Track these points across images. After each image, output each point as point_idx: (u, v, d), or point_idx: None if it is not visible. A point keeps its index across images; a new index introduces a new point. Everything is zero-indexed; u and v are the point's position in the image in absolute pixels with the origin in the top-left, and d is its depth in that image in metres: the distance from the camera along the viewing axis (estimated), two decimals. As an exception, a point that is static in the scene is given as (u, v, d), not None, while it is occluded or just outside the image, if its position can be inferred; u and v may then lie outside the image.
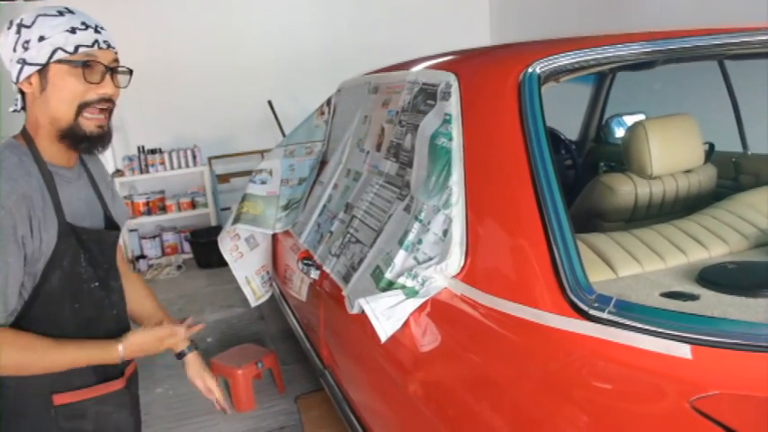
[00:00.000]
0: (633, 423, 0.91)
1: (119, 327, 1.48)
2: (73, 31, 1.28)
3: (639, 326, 0.97)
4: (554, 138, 3.42)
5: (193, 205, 5.98)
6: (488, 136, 1.39)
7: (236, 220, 2.86)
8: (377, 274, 1.56)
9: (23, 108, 1.36)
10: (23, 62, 1.28)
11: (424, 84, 1.77)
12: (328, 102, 2.95)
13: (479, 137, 1.39)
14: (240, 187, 3.07)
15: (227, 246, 2.98)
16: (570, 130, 3.65)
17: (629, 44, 1.51)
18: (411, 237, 1.49)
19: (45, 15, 1.28)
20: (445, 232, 1.40)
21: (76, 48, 1.28)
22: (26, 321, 1.30)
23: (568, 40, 1.63)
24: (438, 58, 1.92)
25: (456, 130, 1.48)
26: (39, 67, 1.27)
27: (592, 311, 1.04)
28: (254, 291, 3.05)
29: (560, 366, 1.04)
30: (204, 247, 5.59)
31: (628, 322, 0.98)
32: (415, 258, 1.45)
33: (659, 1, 4.50)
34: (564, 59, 1.45)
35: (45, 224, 1.29)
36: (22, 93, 1.34)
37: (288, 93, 5.95)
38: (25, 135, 1.35)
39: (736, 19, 1.95)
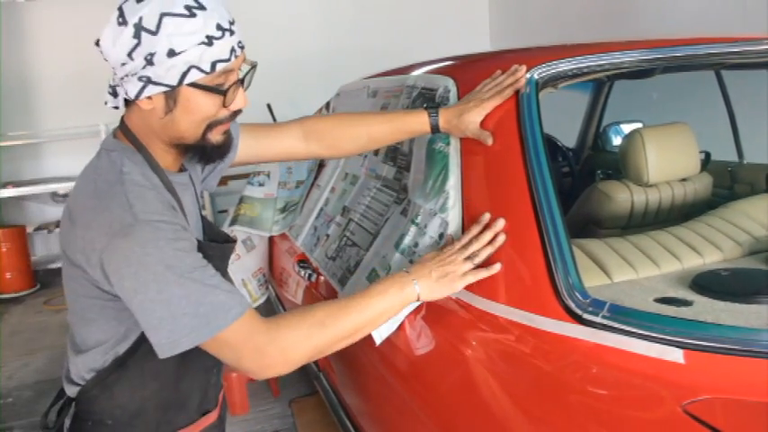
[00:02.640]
0: (626, 427, 0.91)
1: None
2: (210, 42, 1.04)
3: (633, 330, 0.98)
4: (551, 145, 3.44)
5: (191, 208, 5.95)
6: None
7: (234, 222, 2.86)
8: (373, 277, 1.57)
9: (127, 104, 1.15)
10: (147, 81, 1.04)
11: (422, 88, 1.78)
12: (327, 105, 2.96)
13: (477, 141, 1.39)
14: (237, 190, 3.07)
15: (223, 248, 2.97)
16: (568, 137, 3.67)
17: (626, 52, 1.52)
18: (407, 240, 1.50)
19: (172, 15, 1.01)
20: (441, 236, 1.40)
21: (213, 65, 1.05)
22: (135, 354, 1.18)
23: (566, 47, 1.65)
24: (437, 62, 1.93)
25: (455, 136, 1.49)
26: (167, 89, 1.05)
27: (586, 316, 1.04)
28: (251, 293, 3.05)
29: (554, 370, 1.05)
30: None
31: (622, 326, 0.99)
32: (411, 262, 1.46)
33: (659, 10, 4.52)
34: (562, 66, 1.46)
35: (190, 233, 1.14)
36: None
37: (287, 96, 5.96)
38: (133, 140, 1.15)
39: (734, 30, 1.97)
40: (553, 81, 1.47)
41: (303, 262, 2.25)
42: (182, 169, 1.26)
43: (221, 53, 1.06)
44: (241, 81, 1.14)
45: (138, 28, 1.01)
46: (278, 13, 6.24)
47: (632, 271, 1.37)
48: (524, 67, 1.41)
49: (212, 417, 1.39)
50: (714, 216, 1.65)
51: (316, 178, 2.73)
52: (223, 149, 1.20)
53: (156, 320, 1.04)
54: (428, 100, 1.70)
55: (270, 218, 2.87)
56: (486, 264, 1.25)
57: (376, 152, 2.03)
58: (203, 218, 1.36)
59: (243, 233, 2.92)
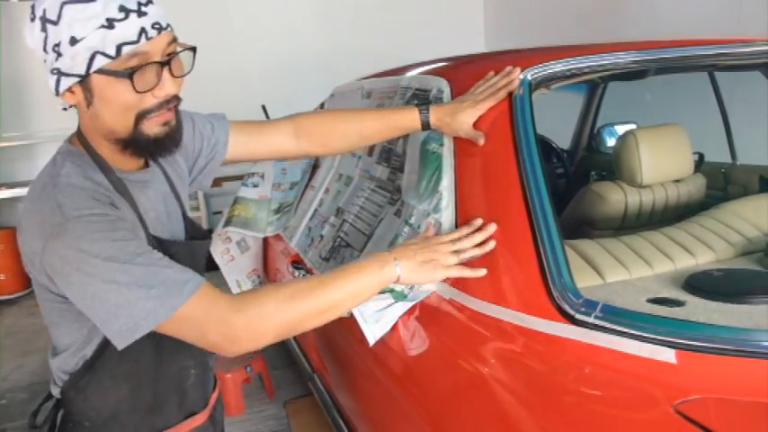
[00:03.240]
0: (618, 426, 0.91)
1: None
2: (110, 24, 0.97)
3: (625, 330, 0.98)
4: (546, 146, 3.45)
5: (185, 209, 5.95)
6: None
7: (228, 223, 2.85)
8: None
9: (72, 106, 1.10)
10: (59, 73, 1.01)
11: (416, 89, 1.78)
12: (321, 106, 2.96)
13: (470, 142, 1.39)
14: (232, 191, 3.07)
15: (218, 248, 2.97)
16: (562, 138, 3.68)
17: (619, 53, 1.52)
18: (401, 240, 1.50)
19: (72, 3, 0.97)
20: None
21: (119, 48, 0.99)
22: (102, 357, 1.15)
23: (560, 48, 1.65)
24: (430, 64, 1.93)
25: (447, 135, 1.49)
26: (78, 79, 1.01)
27: (578, 316, 1.04)
28: (245, 294, 3.04)
29: (547, 370, 1.05)
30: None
31: (614, 327, 0.99)
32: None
33: (654, 11, 4.53)
34: (555, 67, 1.46)
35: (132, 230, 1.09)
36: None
37: (282, 97, 5.93)
38: (82, 140, 1.12)
39: (729, 31, 1.97)
40: (546, 82, 1.47)
41: (297, 263, 2.25)
42: (146, 166, 1.22)
43: (126, 35, 0.99)
44: (163, 64, 1.04)
45: (43, 20, 0.99)
46: (274, 15, 6.24)
47: (625, 271, 1.37)
48: (518, 69, 1.41)
49: (199, 419, 1.36)
50: (707, 217, 1.66)
51: (310, 179, 2.73)
52: (166, 143, 1.11)
53: (109, 311, 1.01)
54: (422, 101, 1.70)
55: (264, 219, 2.86)
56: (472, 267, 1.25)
57: (370, 153, 2.03)
58: (185, 217, 1.32)
59: (237, 234, 2.92)
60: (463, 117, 1.39)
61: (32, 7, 1.02)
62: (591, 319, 1.02)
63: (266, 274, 3.03)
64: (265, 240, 2.98)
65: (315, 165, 2.79)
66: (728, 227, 1.57)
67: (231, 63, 5.94)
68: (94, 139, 1.12)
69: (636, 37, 1.86)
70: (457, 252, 1.23)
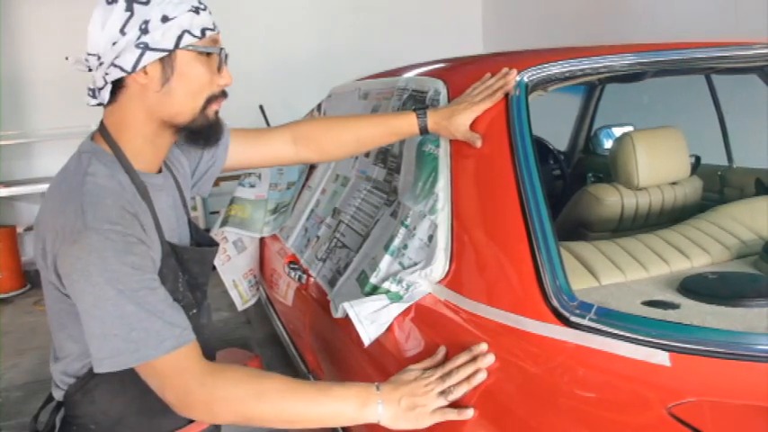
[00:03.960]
0: (611, 429, 0.91)
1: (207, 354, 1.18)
2: (196, 11, 1.09)
3: (619, 333, 0.98)
4: (543, 148, 3.45)
5: (182, 208, 5.94)
6: (475, 143, 1.39)
7: (224, 223, 2.85)
8: (362, 278, 1.57)
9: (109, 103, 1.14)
10: (145, 47, 1.05)
11: (413, 90, 1.78)
12: (318, 107, 2.96)
13: (466, 144, 1.39)
14: (229, 191, 3.07)
15: (214, 249, 2.97)
16: (560, 140, 3.68)
17: (616, 55, 1.52)
18: (397, 242, 1.50)
19: None
20: (430, 238, 1.40)
21: (203, 32, 1.10)
22: None
23: (556, 50, 1.65)
24: (427, 65, 1.93)
25: (444, 138, 1.49)
26: (164, 54, 1.07)
27: (573, 318, 1.04)
28: (241, 294, 3.04)
29: (541, 372, 1.05)
30: (192, 251, 5.55)
31: (608, 329, 0.99)
32: (401, 263, 1.46)
33: (652, 13, 4.54)
34: (551, 69, 1.46)
35: (152, 245, 1.11)
36: (115, 85, 1.10)
37: (280, 98, 5.96)
38: (107, 137, 1.14)
39: (725, 34, 1.98)
40: (543, 84, 1.47)
41: (293, 263, 2.25)
42: (160, 170, 1.24)
43: (207, 23, 1.11)
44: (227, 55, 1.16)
45: (130, 1, 1.05)
46: (272, 16, 6.24)
47: (620, 274, 1.37)
48: (515, 71, 1.41)
49: (203, 423, 1.35)
50: (702, 219, 1.66)
51: (307, 180, 2.73)
52: (217, 130, 1.20)
53: (89, 334, 1.04)
54: (418, 102, 1.70)
55: (261, 219, 2.86)
56: (470, 269, 1.24)
57: (367, 154, 2.03)
58: (190, 221, 1.33)
59: (234, 234, 2.92)
60: (460, 119, 1.39)
61: None
62: (585, 322, 1.02)
63: (262, 275, 3.03)
64: (262, 241, 2.98)
65: (312, 165, 2.79)
66: (724, 230, 1.58)
67: (229, 63, 5.91)
68: (129, 136, 1.14)
69: (634, 40, 1.86)
70: (445, 393, 1.11)
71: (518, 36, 6.36)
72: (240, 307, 3.11)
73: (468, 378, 1.11)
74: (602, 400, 0.96)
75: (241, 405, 1.07)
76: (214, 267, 2.84)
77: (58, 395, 1.23)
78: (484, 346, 1.13)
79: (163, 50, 1.06)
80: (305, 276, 2.12)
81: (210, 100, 1.14)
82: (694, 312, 1.15)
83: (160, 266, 1.13)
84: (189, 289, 1.22)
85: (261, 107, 5.82)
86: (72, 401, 1.20)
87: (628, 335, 0.97)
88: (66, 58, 1.12)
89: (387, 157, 1.85)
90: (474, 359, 1.12)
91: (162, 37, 1.06)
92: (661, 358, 0.92)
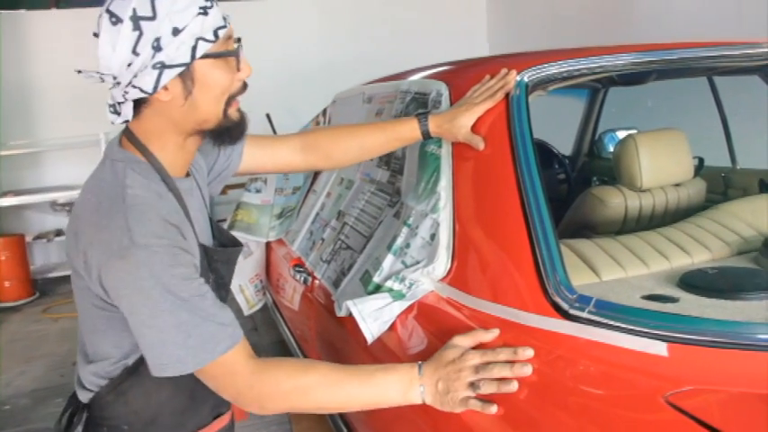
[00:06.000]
0: (610, 418, 0.92)
1: None
2: (205, 12, 1.03)
3: (618, 324, 0.99)
4: (547, 152, 3.46)
5: (190, 217, 5.96)
6: (476, 142, 1.41)
7: (231, 228, 2.88)
8: (365, 278, 1.58)
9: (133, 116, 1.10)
10: (162, 66, 1.02)
11: (415, 93, 1.80)
12: (324, 112, 2.98)
13: (468, 144, 1.41)
14: (236, 199, 3.09)
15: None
16: (564, 145, 3.69)
17: (616, 55, 1.53)
18: (399, 241, 1.51)
19: None
20: (433, 236, 1.42)
21: (216, 33, 1.05)
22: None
23: (557, 51, 1.66)
24: (430, 68, 1.95)
25: (447, 141, 1.50)
26: (183, 68, 1.04)
27: (572, 311, 1.06)
28: (248, 299, 3.06)
29: (541, 364, 1.06)
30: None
31: (607, 321, 1.00)
32: (403, 262, 1.47)
33: (656, 15, 4.54)
34: (552, 69, 1.47)
35: (193, 251, 1.12)
36: (137, 101, 1.08)
37: (286, 106, 5.99)
38: (137, 144, 1.12)
39: (729, 35, 1.98)
40: (543, 84, 1.48)
41: (299, 266, 2.26)
42: (188, 174, 1.24)
43: (218, 20, 1.06)
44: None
45: (136, 19, 0.99)
46: (278, 25, 6.29)
47: (621, 270, 1.38)
48: (514, 71, 1.43)
49: (225, 419, 1.39)
50: (703, 217, 1.67)
51: (312, 184, 2.75)
52: (242, 126, 1.19)
53: (146, 343, 1.07)
54: (421, 104, 1.72)
55: (266, 224, 2.89)
56: (472, 266, 1.25)
57: (371, 156, 2.05)
58: (212, 221, 1.34)
59: (240, 239, 2.93)
60: (461, 121, 1.40)
61: (110, 12, 1.01)
62: (584, 314, 1.04)
63: (269, 280, 3.05)
64: (268, 246, 3.00)
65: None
66: (725, 227, 1.58)
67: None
68: (160, 143, 1.13)
69: (638, 42, 1.88)
70: (474, 385, 1.09)
71: (523, 39, 6.38)
72: (246, 312, 3.12)
73: (499, 380, 1.08)
74: (600, 390, 0.97)
75: (287, 401, 1.15)
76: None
77: (85, 397, 1.23)
78: (530, 352, 1.08)
79: (181, 65, 1.03)
80: (310, 279, 2.14)
81: (230, 100, 1.13)
82: (693, 306, 1.16)
83: None
84: (216, 288, 1.22)
85: (268, 116, 5.84)
86: (103, 403, 1.21)
87: (626, 326, 0.98)
88: (79, 72, 1.09)
89: (390, 159, 1.87)
90: (512, 362, 1.08)
91: (177, 52, 1.02)
92: (658, 348, 0.93)
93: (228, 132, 1.17)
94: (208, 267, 1.21)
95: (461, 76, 1.67)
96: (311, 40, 6.42)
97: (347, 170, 2.30)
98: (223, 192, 5.85)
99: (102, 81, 1.09)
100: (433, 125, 1.44)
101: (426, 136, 1.46)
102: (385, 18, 6.62)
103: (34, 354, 4.20)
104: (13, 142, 5.72)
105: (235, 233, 2.86)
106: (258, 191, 2.95)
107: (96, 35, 1.04)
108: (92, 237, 1.07)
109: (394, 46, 6.46)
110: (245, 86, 1.16)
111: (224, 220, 5.39)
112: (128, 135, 1.14)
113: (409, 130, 1.46)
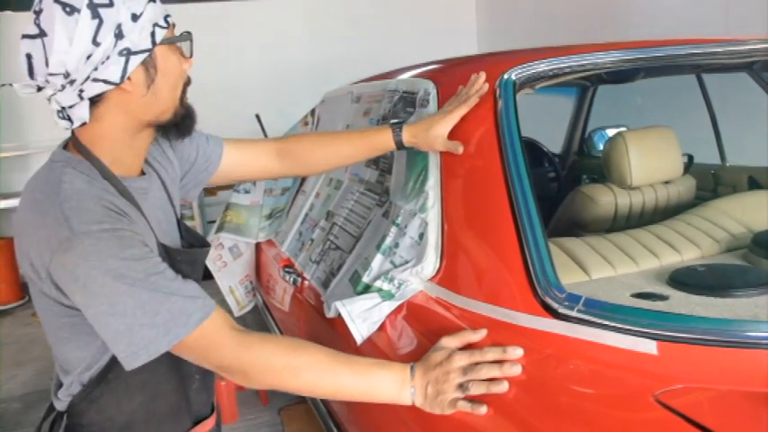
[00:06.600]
0: (600, 416, 0.92)
1: None
2: None
3: (607, 323, 0.98)
4: (537, 150, 3.46)
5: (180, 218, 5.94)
6: (464, 141, 1.40)
7: (220, 229, 2.86)
8: (355, 278, 1.57)
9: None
10: (128, 53, 0.99)
11: (403, 92, 1.79)
12: (312, 112, 2.97)
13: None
14: (226, 200, 3.07)
15: (210, 255, 2.97)
16: (554, 143, 3.69)
17: (602, 52, 1.53)
18: (388, 241, 1.50)
19: None
20: (421, 236, 1.41)
21: (166, 19, 1.05)
22: (116, 367, 1.11)
23: (545, 49, 1.66)
24: (417, 67, 1.94)
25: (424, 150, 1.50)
26: (146, 55, 1.02)
27: (561, 310, 1.05)
28: (238, 301, 3.04)
29: (531, 364, 1.05)
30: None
31: (596, 320, 1.00)
32: (392, 262, 1.46)
33: (646, 14, 4.55)
34: (539, 66, 1.47)
35: (144, 237, 1.07)
36: (92, 101, 1.04)
37: (276, 106, 5.97)
38: (81, 148, 1.08)
39: (716, 33, 1.98)
40: (531, 82, 1.48)
41: (288, 267, 2.25)
42: (142, 172, 1.21)
43: (164, 9, 1.06)
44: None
45: (93, 7, 0.96)
46: (267, 25, 6.27)
47: (610, 268, 1.38)
48: (483, 74, 1.42)
49: (209, 423, 1.37)
50: (693, 214, 1.67)
51: (301, 185, 2.74)
52: (194, 116, 1.19)
53: (112, 334, 1.01)
54: (409, 103, 1.72)
55: (256, 225, 2.87)
56: (461, 266, 1.25)
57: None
58: (179, 222, 1.32)
59: (230, 240, 2.92)
60: (437, 131, 1.40)
61: (61, 3, 0.96)
62: (574, 313, 1.03)
63: (259, 281, 3.03)
64: (258, 247, 2.98)
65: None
66: (714, 224, 1.58)
67: (225, 73, 5.95)
68: (108, 145, 1.09)
69: (627, 40, 1.87)
70: (463, 386, 1.09)
71: (512, 38, 6.38)
72: (237, 313, 3.11)
73: (489, 380, 1.07)
74: (590, 389, 0.97)
75: (276, 378, 1.11)
76: (206, 271, 2.86)
77: (61, 405, 1.21)
78: (519, 352, 1.07)
79: (145, 51, 1.01)
80: (300, 279, 2.13)
81: (184, 88, 1.13)
82: (683, 303, 1.15)
83: None
84: None
85: (257, 116, 5.82)
86: (77, 410, 1.18)
87: (615, 325, 0.97)
88: (11, 85, 1.05)
89: (379, 158, 1.86)
90: (502, 361, 1.07)
91: (140, 37, 1.00)
92: (648, 347, 0.93)
93: (184, 122, 1.16)
94: (172, 269, 1.14)
95: (449, 75, 1.66)
96: (300, 41, 6.40)
97: (336, 171, 2.29)
98: (212, 192, 5.83)
99: (40, 90, 1.05)
100: (408, 135, 1.43)
101: (399, 146, 1.45)
102: (374, 18, 6.61)
103: (25, 357, 4.17)
104: (3, 145, 5.68)
105: (224, 234, 2.84)
106: (247, 191, 2.94)
107: (37, 35, 0.99)
108: (31, 236, 1.03)
109: (383, 45, 6.45)
110: (189, 79, 1.16)
111: (214, 222, 5.37)
112: (73, 140, 1.11)
113: (384, 140, 1.46)
